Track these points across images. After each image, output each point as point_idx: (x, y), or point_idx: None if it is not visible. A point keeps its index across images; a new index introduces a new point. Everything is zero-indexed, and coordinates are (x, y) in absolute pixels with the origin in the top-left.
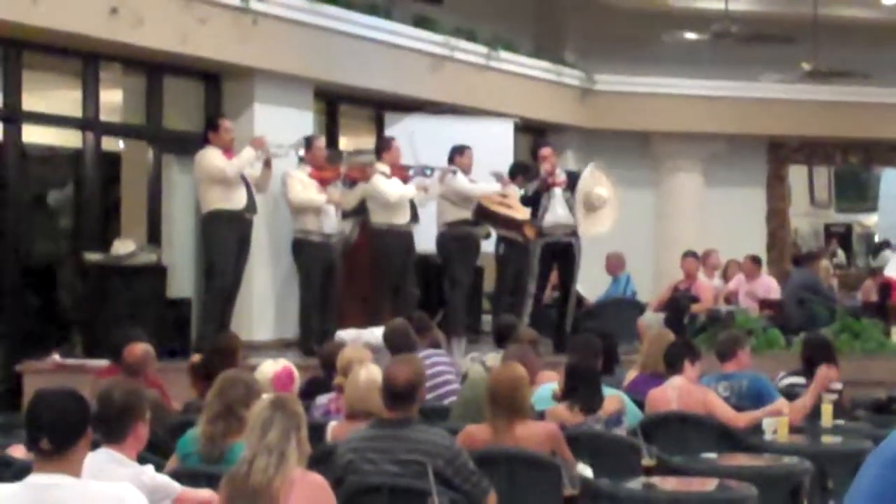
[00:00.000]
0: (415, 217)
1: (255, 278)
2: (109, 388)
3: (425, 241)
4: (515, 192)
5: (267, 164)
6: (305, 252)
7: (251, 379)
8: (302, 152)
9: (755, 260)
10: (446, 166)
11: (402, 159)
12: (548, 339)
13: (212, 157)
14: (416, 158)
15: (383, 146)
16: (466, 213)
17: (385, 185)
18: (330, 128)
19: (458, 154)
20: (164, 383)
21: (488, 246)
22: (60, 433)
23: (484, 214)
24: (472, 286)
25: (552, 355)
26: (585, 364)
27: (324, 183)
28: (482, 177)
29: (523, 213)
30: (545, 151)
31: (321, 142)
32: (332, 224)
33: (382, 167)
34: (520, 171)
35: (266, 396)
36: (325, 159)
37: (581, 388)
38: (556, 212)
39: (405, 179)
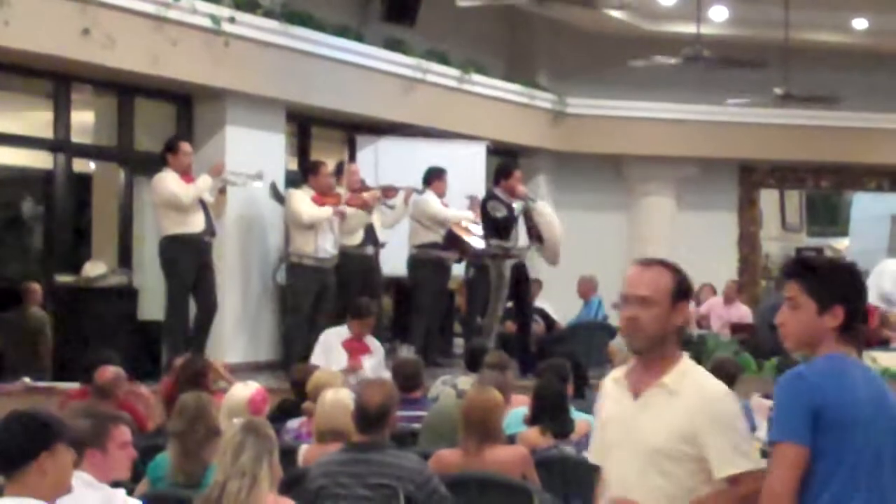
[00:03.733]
0: (371, 240)
1: (226, 301)
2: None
3: (399, 263)
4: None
5: (222, 191)
6: (298, 275)
7: (207, 398)
8: (261, 184)
9: (738, 286)
10: (411, 186)
11: (358, 182)
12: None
13: (168, 182)
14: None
15: (339, 170)
16: (436, 237)
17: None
18: (302, 150)
19: (435, 177)
20: (136, 404)
21: (458, 269)
22: (6, 455)
23: (454, 241)
24: (444, 310)
25: (518, 378)
26: (553, 388)
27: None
28: (456, 200)
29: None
30: (519, 174)
31: (326, 168)
32: (327, 248)
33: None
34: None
35: (237, 420)
36: (330, 185)
37: (549, 413)
38: (521, 235)
39: (364, 203)
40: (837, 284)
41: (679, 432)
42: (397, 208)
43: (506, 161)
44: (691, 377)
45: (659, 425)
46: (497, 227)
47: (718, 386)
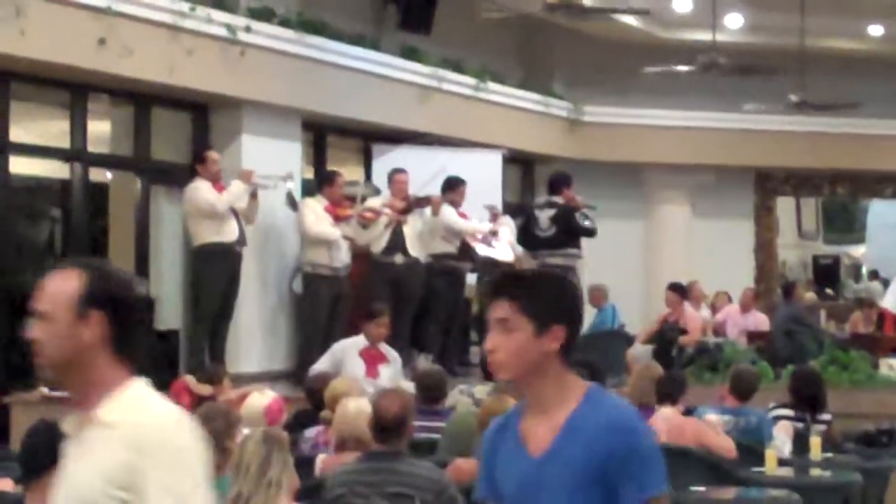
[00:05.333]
0: (399, 248)
1: (242, 310)
2: None
3: None
4: (509, 228)
5: (253, 195)
6: (314, 285)
7: (227, 408)
8: (292, 185)
9: (755, 293)
10: (441, 196)
11: (404, 192)
12: None
13: (202, 190)
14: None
15: (389, 179)
16: (452, 248)
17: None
18: (318, 159)
19: (450, 189)
20: None
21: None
22: (25, 463)
23: (468, 253)
24: (460, 319)
25: None
26: None
27: (337, 220)
28: (473, 209)
29: (506, 253)
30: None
31: (342, 179)
32: (341, 258)
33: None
34: (514, 213)
35: (253, 431)
36: (343, 196)
37: None
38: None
39: (404, 212)
40: (556, 301)
41: (112, 476)
42: (428, 218)
43: (561, 171)
44: (133, 405)
45: (91, 471)
46: (577, 237)
47: (166, 413)
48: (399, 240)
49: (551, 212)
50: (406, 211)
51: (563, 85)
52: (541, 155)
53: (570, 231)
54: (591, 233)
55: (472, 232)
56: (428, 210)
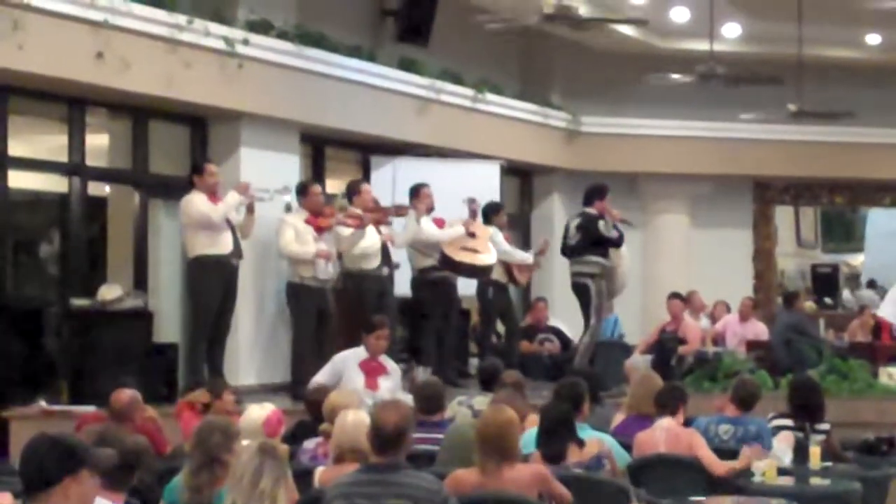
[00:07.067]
0: (386, 262)
1: (241, 323)
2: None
3: (408, 284)
4: (488, 231)
5: (250, 209)
6: (300, 297)
7: (226, 422)
8: (288, 198)
9: (754, 303)
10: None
11: (371, 202)
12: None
13: (197, 202)
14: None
15: (353, 191)
16: (433, 260)
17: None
18: (316, 171)
19: (415, 197)
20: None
21: (471, 288)
22: (28, 478)
23: (448, 263)
24: (455, 328)
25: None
26: (552, 412)
27: (320, 230)
28: (459, 216)
29: (490, 258)
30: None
31: (317, 187)
32: (326, 270)
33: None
34: (493, 211)
35: (250, 443)
36: (321, 204)
37: (546, 437)
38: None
39: (379, 222)
40: None
41: None
42: (408, 227)
43: (599, 183)
44: None
45: None
46: (603, 246)
47: None
48: (386, 252)
49: (577, 220)
50: (382, 220)
51: (561, 95)
52: (539, 165)
53: (593, 240)
54: (613, 242)
55: (447, 240)
56: (407, 219)
